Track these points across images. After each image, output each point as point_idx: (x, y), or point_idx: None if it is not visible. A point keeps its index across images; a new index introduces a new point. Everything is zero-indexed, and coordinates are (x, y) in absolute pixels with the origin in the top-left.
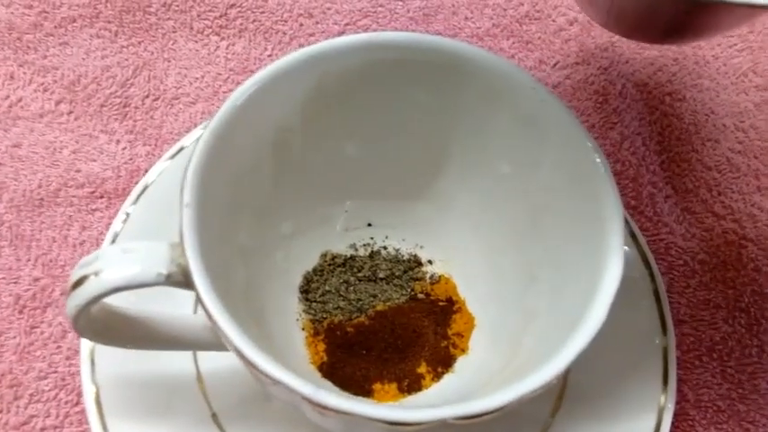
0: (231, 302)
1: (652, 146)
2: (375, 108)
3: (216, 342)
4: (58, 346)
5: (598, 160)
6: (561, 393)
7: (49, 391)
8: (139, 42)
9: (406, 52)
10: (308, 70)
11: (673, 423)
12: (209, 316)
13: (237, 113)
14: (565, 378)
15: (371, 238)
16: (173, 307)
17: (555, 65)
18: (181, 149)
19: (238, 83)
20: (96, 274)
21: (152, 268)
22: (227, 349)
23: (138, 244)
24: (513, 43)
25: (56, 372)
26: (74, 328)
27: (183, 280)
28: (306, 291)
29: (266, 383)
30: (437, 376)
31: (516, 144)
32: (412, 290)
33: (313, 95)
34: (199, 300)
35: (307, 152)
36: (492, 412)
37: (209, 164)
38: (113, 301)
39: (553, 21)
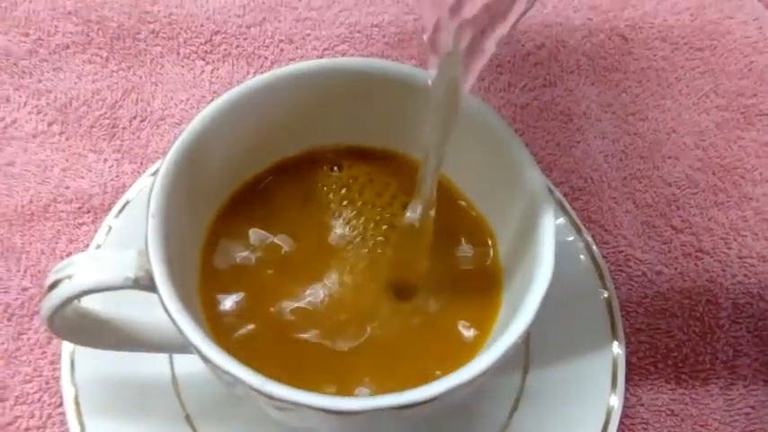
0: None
1: (614, 163)
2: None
3: (184, 344)
4: (44, 352)
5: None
6: (519, 395)
7: (34, 393)
8: (129, 67)
9: (360, 75)
10: (274, 91)
11: (628, 426)
12: (171, 318)
13: (204, 129)
14: (522, 380)
15: None
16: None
17: (523, 87)
18: None
19: None
20: (69, 277)
21: (121, 273)
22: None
23: (109, 252)
24: (484, 66)
25: (40, 375)
26: (49, 329)
27: (150, 284)
28: None
29: (225, 381)
30: None
31: (464, 149)
32: None
33: (279, 114)
34: (161, 303)
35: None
36: (423, 403)
37: (174, 177)
38: (93, 304)
39: (522, 45)
